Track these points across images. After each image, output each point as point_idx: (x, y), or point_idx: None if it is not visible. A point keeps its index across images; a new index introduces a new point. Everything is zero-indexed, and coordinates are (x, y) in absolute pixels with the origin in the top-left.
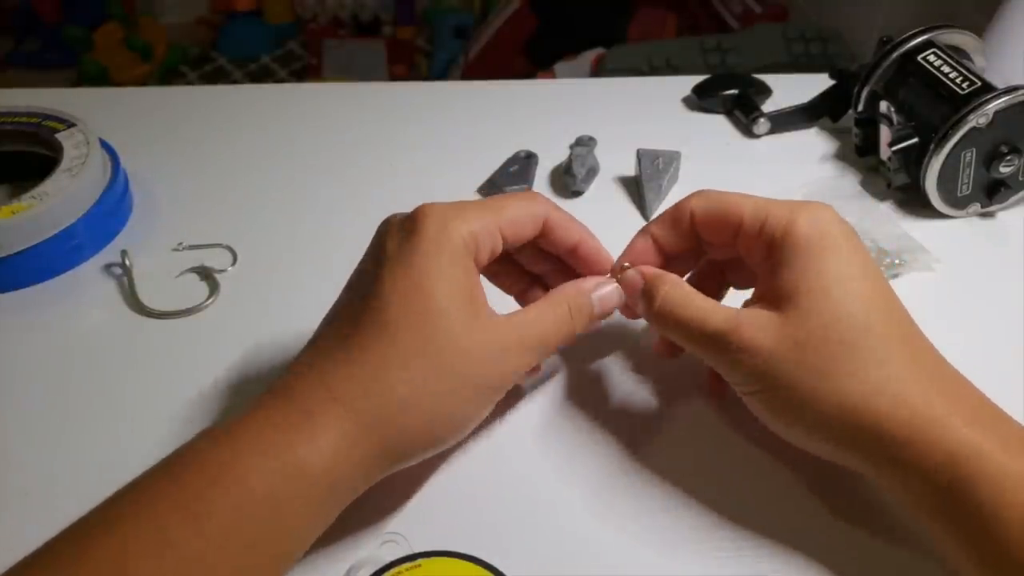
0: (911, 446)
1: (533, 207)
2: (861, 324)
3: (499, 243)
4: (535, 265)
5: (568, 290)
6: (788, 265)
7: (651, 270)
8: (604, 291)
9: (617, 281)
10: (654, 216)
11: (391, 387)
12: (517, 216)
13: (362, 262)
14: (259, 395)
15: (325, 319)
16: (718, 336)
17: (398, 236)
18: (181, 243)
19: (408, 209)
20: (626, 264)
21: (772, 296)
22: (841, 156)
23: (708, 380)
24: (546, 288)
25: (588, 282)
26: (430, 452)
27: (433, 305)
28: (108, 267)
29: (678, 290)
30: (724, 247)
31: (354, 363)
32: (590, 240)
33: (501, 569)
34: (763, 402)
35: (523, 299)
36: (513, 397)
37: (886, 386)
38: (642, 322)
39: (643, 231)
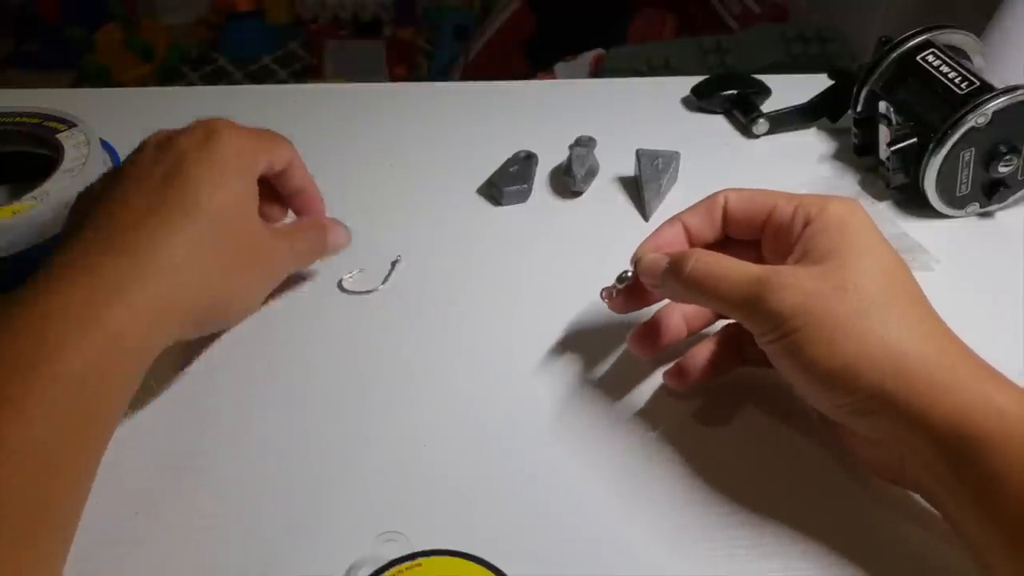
0: (928, 395)
1: (286, 145)
2: (888, 287)
3: (266, 166)
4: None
5: (311, 220)
6: (823, 234)
7: (672, 252)
8: (338, 227)
9: (635, 269)
10: (653, 217)
11: (198, 265)
12: (279, 149)
13: (137, 165)
14: (46, 268)
15: (110, 202)
16: (759, 279)
17: (192, 139)
18: None
19: (408, 211)
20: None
21: (804, 259)
22: (840, 156)
23: (670, 372)
24: None
25: (325, 220)
26: (218, 326)
27: (232, 202)
28: None
29: (707, 255)
30: (749, 236)
31: (168, 237)
32: (311, 188)
33: (502, 568)
34: (795, 343)
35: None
36: (514, 397)
37: (919, 341)
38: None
39: (672, 220)
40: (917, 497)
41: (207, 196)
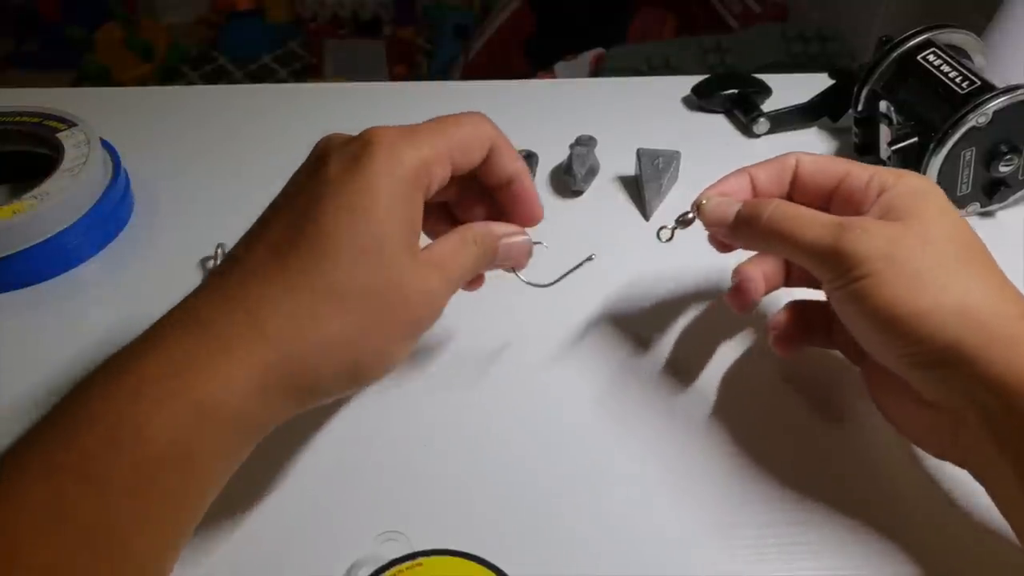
0: (1006, 353)
1: (482, 128)
2: (968, 250)
3: (448, 171)
4: (466, 213)
5: (479, 229)
6: (901, 198)
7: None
8: (514, 240)
9: (696, 212)
10: (653, 216)
11: (325, 323)
12: (468, 139)
13: (296, 183)
14: (165, 318)
15: (251, 237)
16: (841, 223)
17: (342, 160)
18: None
19: None
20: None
21: (883, 217)
22: (841, 155)
23: (774, 329)
24: None
25: (500, 227)
26: (348, 392)
27: (379, 241)
28: (109, 267)
29: (786, 203)
30: (814, 202)
31: (290, 290)
32: (526, 179)
33: (502, 568)
34: (868, 287)
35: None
36: (514, 396)
37: (1000, 302)
38: (645, 322)
39: (740, 172)
40: (955, 491)
41: (345, 237)
